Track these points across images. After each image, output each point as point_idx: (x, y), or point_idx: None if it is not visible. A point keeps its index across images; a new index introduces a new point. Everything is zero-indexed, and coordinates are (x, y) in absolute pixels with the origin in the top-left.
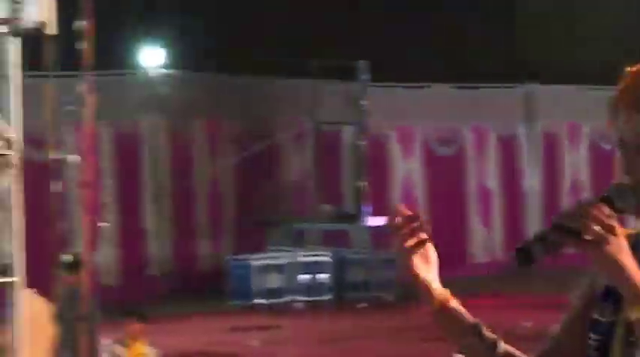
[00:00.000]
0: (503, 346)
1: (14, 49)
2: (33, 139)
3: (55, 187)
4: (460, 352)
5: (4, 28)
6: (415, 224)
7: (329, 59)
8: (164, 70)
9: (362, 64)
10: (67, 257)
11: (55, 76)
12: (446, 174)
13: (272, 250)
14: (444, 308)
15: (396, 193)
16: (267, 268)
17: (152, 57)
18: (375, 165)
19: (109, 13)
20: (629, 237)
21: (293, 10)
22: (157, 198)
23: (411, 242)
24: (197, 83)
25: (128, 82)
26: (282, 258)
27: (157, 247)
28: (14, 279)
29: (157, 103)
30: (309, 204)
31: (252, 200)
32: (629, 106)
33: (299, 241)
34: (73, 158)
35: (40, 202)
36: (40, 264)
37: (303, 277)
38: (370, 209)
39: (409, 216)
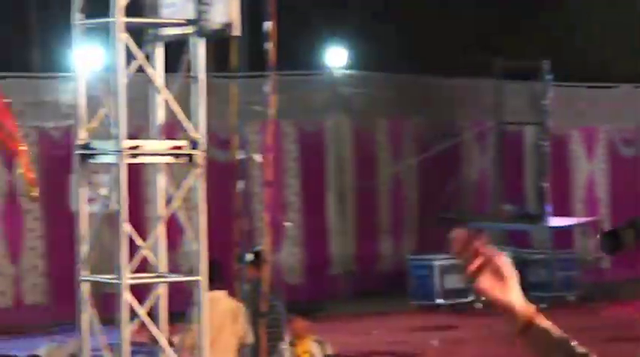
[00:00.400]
0: None
1: (201, 50)
2: (218, 139)
3: (240, 185)
4: None
5: (190, 29)
6: (475, 246)
7: (512, 59)
8: (348, 71)
9: (545, 64)
10: (249, 254)
11: (240, 77)
12: (630, 174)
13: None
14: (528, 327)
15: (578, 193)
16: (448, 269)
17: (336, 57)
18: (557, 165)
19: (296, 14)
20: None
21: (476, 10)
22: (341, 197)
23: (474, 266)
24: (380, 83)
25: (313, 82)
26: None
27: (340, 247)
28: (199, 278)
29: (341, 102)
30: (490, 203)
31: (434, 199)
32: None
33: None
34: (258, 157)
35: (224, 200)
36: (223, 262)
37: None
38: (552, 209)
39: (468, 238)
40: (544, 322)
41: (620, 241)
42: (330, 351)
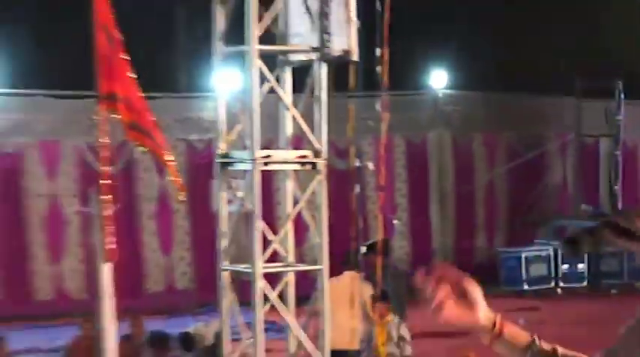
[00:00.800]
0: (561, 352)
1: (323, 73)
2: (338, 149)
3: (356, 189)
4: None
5: (315, 56)
6: (437, 275)
7: (589, 79)
8: (448, 91)
9: (618, 84)
10: (364, 247)
11: (356, 96)
12: None
13: (538, 244)
14: (496, 339)
15: None
16: (534, 259)
17: (438, 79)
18: (628, 172)
19: (404, 42)
20: None
21: (557, 38)
22: (442, 200)
23: (439, 296)
24: (476, 101)
25: (418, 101)
26: (547, 250)
27: (441, 241)
28: (321, 267)
29: (443, 118)
30: (570, 205)
31: (522, 202)
32: None
33: (561, 236)
34: (371, 165)
35: (343, 202)
36: (340, 255)
37: (564, 267)
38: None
39: (429, 271)
40: (510, 331)
41: (579, 247)
42: (406, 333)
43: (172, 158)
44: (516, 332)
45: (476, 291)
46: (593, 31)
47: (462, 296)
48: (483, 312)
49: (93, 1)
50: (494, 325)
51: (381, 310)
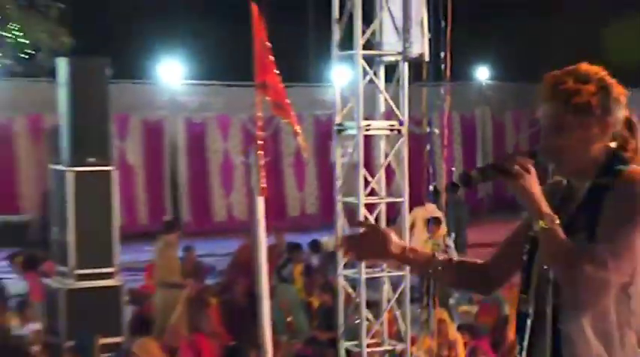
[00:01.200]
0: (456, 259)
1: (405, 69)
2: (415, 120)
3: (427, 148)
4: (433, 278)
5: (400, 57)
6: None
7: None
8: (490, 81)
9: None
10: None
11: (427, 85)
12: None
13: None
14: (402, 260)
15: None
16: None
17: (482, 71)
18: None
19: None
20: (551, 184)
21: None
22: (485, 157)
23: (354, 250)
24: (508, 89)
25: (469, 87)
26: None
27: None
28: (402, 199)
29: (485, 100)
30: None
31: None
32: (540, 99)
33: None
34: (437, 131)
35: (419, 157)
36: (417, 192)
37: None
38: None
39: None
40: (412, 253)
41: (470, 181)
42: (451, 243)
43: (300, 128)
44: (420, 254)
45: (387, 232)
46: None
47: (380, 238)
48: (394, 245)
49: (252, 17)
50: (403, 251)
51: (434, 229)
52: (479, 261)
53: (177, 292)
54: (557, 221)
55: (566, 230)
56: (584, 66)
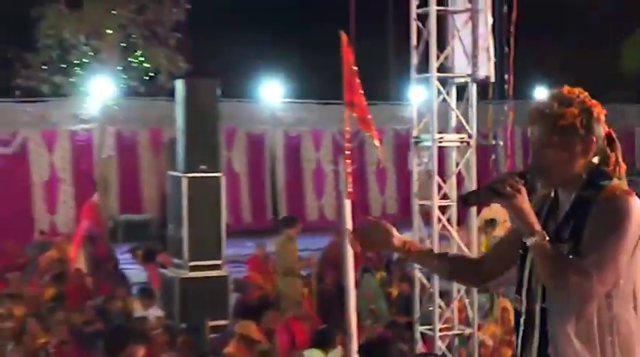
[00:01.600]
0: (451, 253)
1: (474, 89)
2: (482, 133)
3: (492, 157)
4: (429, 269)
5: (469, 79)
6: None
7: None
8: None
9: None
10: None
11: (492, 102)
12: None
13: None
14: (402, 252)
15: None
16: None
17: (541, 92)
18: None
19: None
20: (539, 197)
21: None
22: None
23: (361, 241)
24: None
25: (527, 104)
26: None
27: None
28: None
29: None
30: None
31: None
32: (529, 122)
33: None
34: (501, 143)
35: (486, 165)
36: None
37: None
38: None
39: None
40: (415, 248)
41: (468, 201)
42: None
43: (380, 141)
44: (418, 247)
45: (378, 226)
46: None
47: (384, 231)
48: (396, 238)
49: (342, 44)
50: (404, 245)
51: (489, 230)
52: (473, 256)
53: (297, 280)
54: (547, 238)
55: (553, 239)
56: (567, 89)
